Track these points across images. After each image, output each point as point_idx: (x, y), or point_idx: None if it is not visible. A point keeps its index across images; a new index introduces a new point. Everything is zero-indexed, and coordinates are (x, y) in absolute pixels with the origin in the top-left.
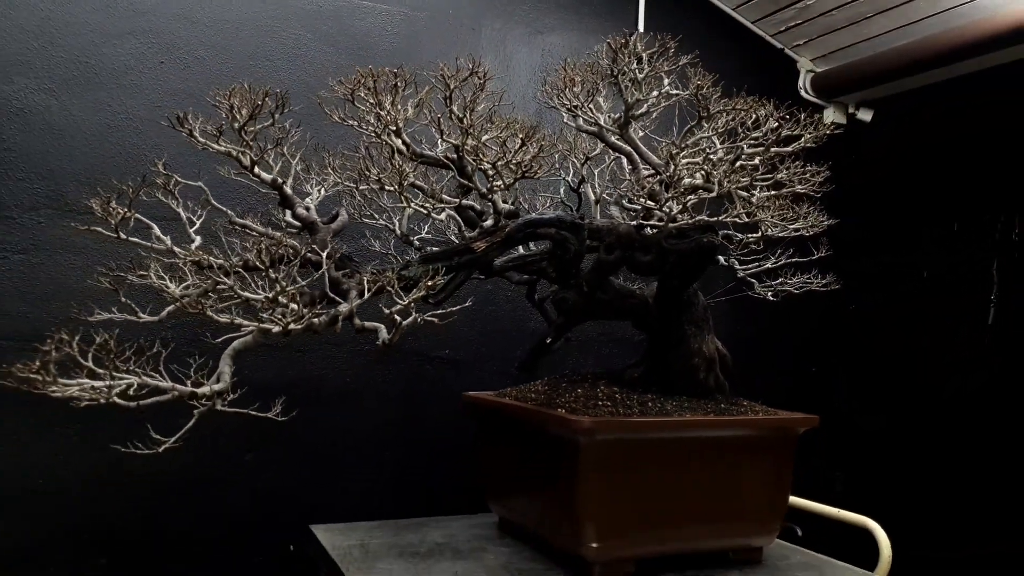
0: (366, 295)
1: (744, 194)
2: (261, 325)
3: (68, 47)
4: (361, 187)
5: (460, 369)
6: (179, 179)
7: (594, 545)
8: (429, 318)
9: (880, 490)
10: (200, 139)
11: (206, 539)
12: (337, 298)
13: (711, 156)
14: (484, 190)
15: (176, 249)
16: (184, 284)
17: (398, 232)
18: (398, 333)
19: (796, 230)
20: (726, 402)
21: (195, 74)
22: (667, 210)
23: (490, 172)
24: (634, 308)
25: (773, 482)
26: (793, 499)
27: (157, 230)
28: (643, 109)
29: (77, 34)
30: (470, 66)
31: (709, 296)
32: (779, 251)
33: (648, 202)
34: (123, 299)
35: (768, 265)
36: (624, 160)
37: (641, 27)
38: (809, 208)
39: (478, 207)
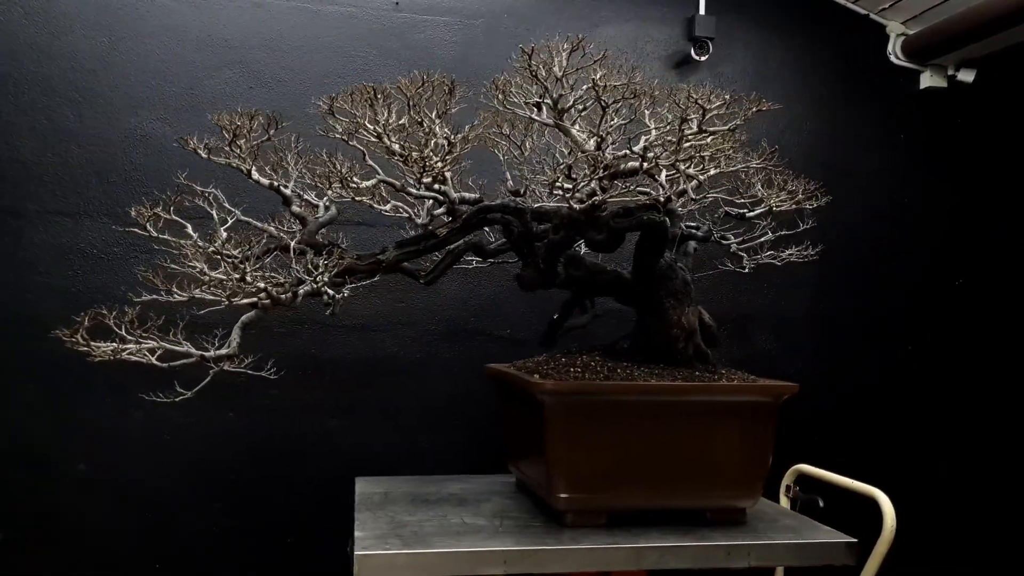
0: (326, 277)
1: (693, 172)
2: (232, 300)
3: (178, 82)
4: (333, 185)
5: (522, 347)
6: (199, 188)
7: (563, 495)
8: (349, 293)
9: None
10: (203, 155)
11: (300, 490)
12: (305, 277)
13: (646, 139)
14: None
15: (183, 243)
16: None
17: (419, 222)
18: (337, 305)
19: (797, 202)
20: (703, 370)
21: (277, 95)
22: (584, 190)
23: (415, 169)
24: (609, 283)
25: (751, 446)
26: (806, 468)
27: (190, 228)
28: (569, 102)
29: (185, 71)
30: (424, 78)
31: (700, 272)
32: (762, 225)
33: (566, 183)
34: (158, 283)
35: (764, 238)
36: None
37: (702, 10)
38: (795, 184)
39: (441, 198)
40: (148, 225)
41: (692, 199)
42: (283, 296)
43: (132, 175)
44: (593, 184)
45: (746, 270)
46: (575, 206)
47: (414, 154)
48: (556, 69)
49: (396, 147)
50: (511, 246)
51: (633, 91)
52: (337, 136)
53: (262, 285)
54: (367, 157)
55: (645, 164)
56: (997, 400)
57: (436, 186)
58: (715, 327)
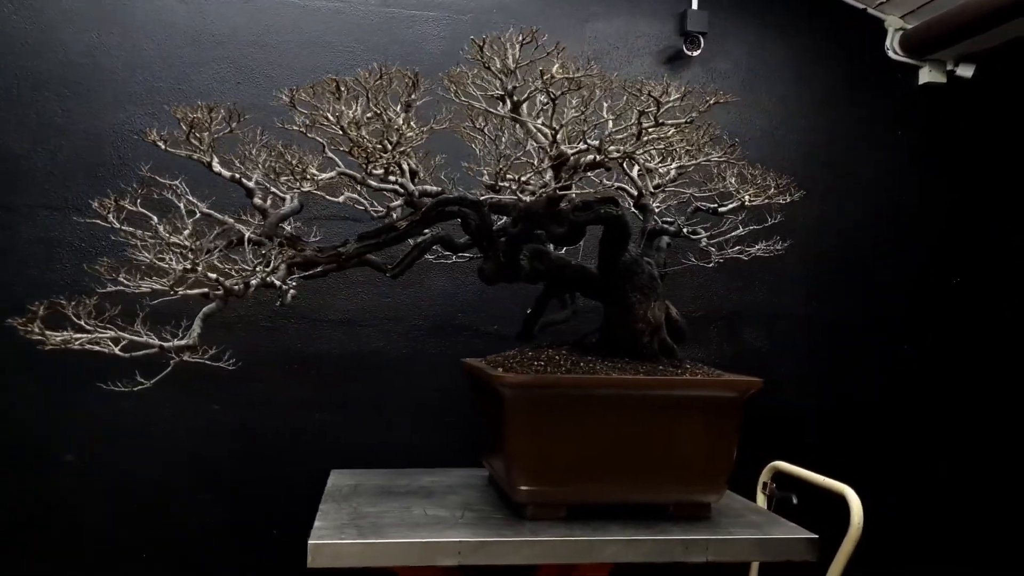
0: (280, 269)
1: (652, 165)
2: (177, 290)
3: (165, 77)
4: (282, 177)
5: (508, 343)
6: (167, 181)
7: (523, 488)
8: (296, 286)
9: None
10: (162, 147)
11: (286, 483)
12: (256, 269)
13: (606, 131)
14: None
15: (140, 234)
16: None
17: (393, 216)
18: (285, 296)
19: (770, 197)
20: (667, 364)
21: (264, 90)
22: (536, 183)
23: (360, 160)
24: (575, 277)
25: (715, 441)
26: (782, 464)
27: (155, 220)
28: (525, 95)
29: (172, 66)
30: (382, 70)
31: (670, 266)
32: (727, 221)
33: (514, 175)
34: (103, 272)
35: (734, 233)
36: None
37: (695, 4)
38: (764, 179)
39: (400, 190)
40: (111, 216)
41: (652, 193)
42: (236, 287)
43: (120, 170)
44: (547, 177)
45: (712, 265)
46: (524, 198)
47: (365, 143)
48: (509, 61)
49: (356, 138)
50: (471, 239)
51: (578, 83)
52: (295, 128)
53: (214, 276)
54: (326, 149)
55: (599, 157)
56: (995, 398)
57: (392, 178)
58: (682, 322)
